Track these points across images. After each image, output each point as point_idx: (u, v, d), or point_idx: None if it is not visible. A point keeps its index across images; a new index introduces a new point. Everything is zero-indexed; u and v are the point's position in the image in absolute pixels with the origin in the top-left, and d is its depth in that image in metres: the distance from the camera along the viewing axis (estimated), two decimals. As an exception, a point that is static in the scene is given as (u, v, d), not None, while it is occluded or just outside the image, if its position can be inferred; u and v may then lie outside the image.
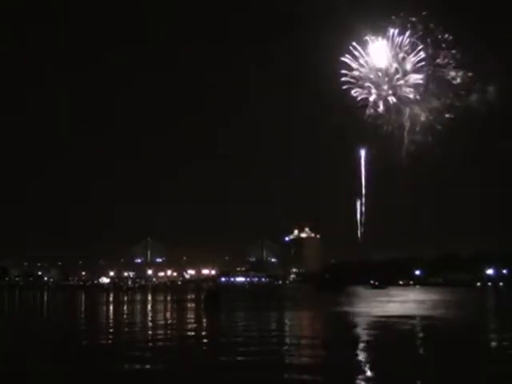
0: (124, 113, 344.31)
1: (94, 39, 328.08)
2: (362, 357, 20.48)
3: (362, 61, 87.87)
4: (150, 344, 24.56)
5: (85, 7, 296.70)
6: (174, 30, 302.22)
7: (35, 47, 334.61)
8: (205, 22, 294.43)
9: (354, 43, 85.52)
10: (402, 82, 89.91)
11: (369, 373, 17.13)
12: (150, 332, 30.65)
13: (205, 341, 26.70)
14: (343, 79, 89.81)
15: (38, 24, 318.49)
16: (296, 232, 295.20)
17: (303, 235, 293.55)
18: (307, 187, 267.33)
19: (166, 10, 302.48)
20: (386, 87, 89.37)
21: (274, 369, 17.67)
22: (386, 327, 32.47)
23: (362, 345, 24.03)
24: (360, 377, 16.35)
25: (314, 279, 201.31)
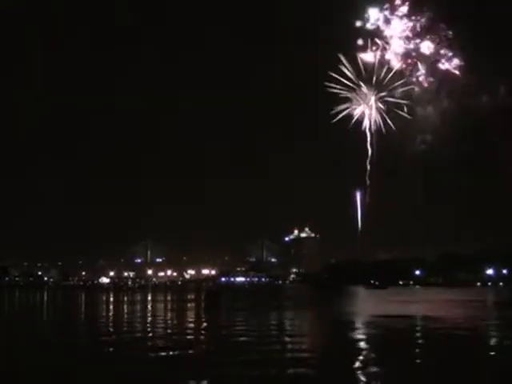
0: (127, 117, 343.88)
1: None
2: (354, 357, 20.45)
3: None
4: (149, 343, 24.61)
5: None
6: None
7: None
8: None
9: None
10: (415, 84, 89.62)
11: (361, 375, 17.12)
12: (149, 331, 30.66)
13: (204, 339, 26.74)
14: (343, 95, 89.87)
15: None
16: (296, 232, 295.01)
17: (303, 235, 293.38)
18: (307, 187, 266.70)
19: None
20: (399, 91, 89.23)
21: (273, 366, 17.71)
22: (382, 327, 32.47)
23: (355, 345, 24.03)
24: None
25: (313, 279, 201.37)
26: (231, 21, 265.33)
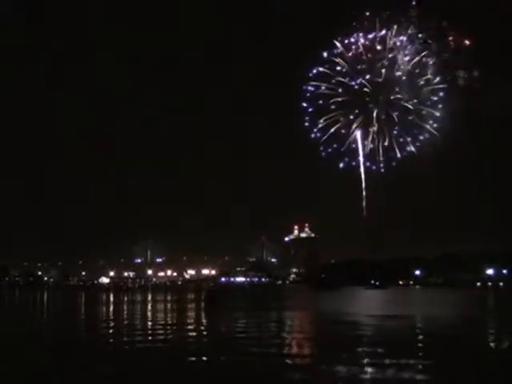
0: (126, 119, 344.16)
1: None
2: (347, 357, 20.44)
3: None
4: (150, 338, 24.63)
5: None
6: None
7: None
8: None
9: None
10: (424, 85, 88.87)
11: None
12: (150, 331, 30.67)
13: (205, 338, 26.76)
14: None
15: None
16: (296, 232, 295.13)
17: (303, 235, 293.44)
18: (307, 187, 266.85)
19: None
20: (408, 93, 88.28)
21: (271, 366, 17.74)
22: (381, 327, 32.47)
23: (353, 345, 24.02)
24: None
25: (313, 279, 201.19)
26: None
